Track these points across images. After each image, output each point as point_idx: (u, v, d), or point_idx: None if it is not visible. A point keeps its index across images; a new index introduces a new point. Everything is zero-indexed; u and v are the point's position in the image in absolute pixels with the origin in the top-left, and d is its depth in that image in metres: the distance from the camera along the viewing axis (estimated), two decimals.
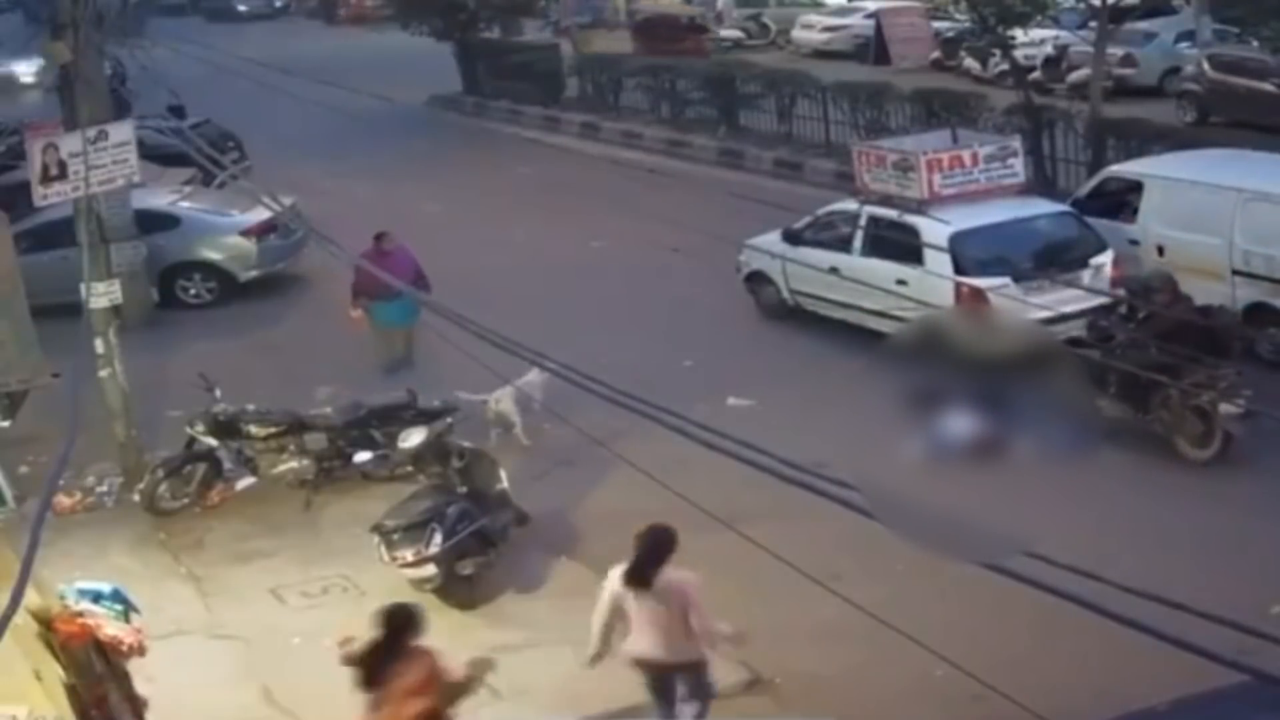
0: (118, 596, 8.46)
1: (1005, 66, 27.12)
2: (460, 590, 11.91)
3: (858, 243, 16.93)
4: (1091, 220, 16.72)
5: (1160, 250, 16.17)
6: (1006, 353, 13.60)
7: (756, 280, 18.46)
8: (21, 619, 6.94)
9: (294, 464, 14.09)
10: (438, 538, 11.65)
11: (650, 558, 9.40)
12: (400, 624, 8.68)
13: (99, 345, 14.11)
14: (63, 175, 13.57)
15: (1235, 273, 15.40)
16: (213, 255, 21.02)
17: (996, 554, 5.41)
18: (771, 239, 17.89)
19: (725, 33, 43.04)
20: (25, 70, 41.56)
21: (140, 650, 8.31)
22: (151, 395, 15.59)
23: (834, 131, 26.86)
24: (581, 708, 10.45)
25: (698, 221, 20.94)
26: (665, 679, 9.70)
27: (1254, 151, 18.21)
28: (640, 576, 9.43)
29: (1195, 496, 12.88)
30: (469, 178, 27.42)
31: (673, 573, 9.28)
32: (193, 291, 20.96)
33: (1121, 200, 17.13)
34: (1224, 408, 13.05)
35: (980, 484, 12.54)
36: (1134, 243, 16.50)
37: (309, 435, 14.17)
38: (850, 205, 17.57)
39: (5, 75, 42.70)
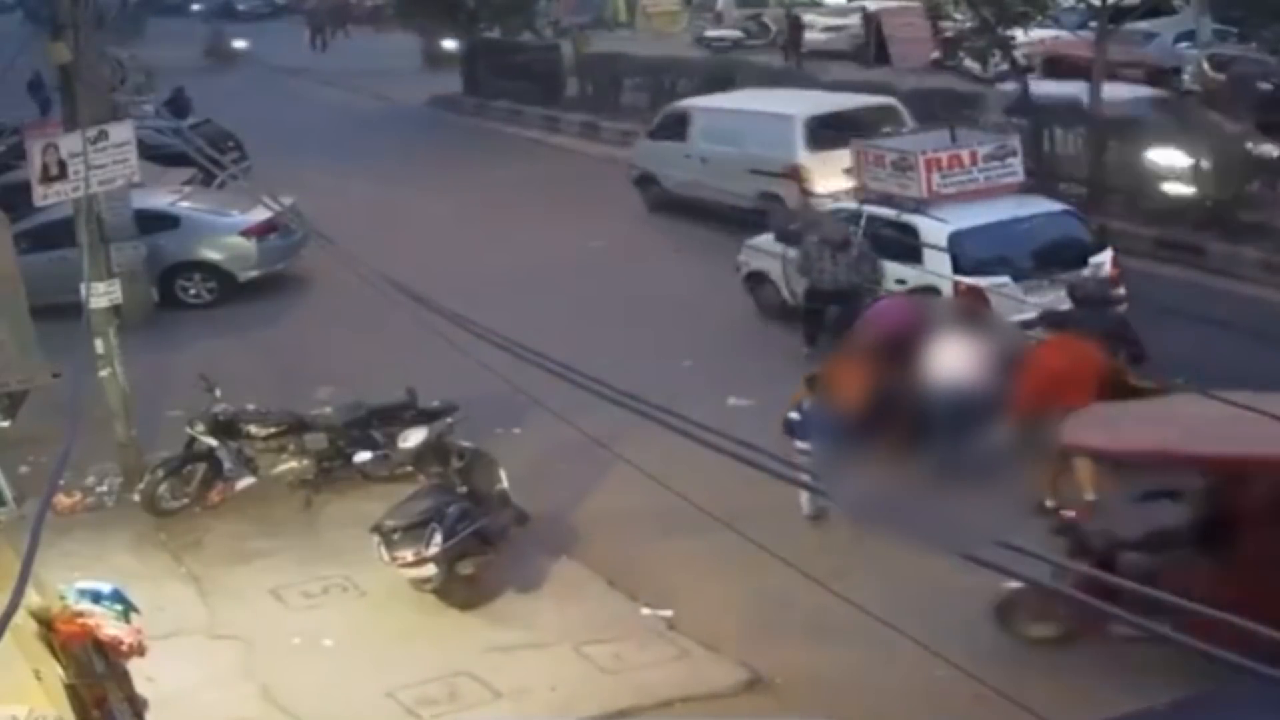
0: (118, 596, 8.45)
1: (1005, 66, 27.10)
2: (460, 590, 11.91)
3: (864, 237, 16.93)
4: (658, 143, 23.38)
5: (703, 160, 22.37)
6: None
7: (756, 280, 18.46)
8: (21, 619, 6.94)
9: (294, 464, 14.09)
10: (438, 538, 11.65)
11: None
12: None
13: (99, 345, 14.11)
14: (63, 175, 13.57)
15: (751, 171, 21.24)
16: (213, 255, 21.01)
17: (976, 547, 5.43)
18: (770, 239, 17.90)
19: (725, 33, 43.08)
20: None
21: (140, 650, 8.30)
22: (151, 395, 15.59)
23: None
24: (579, 708, 10.44)
25: (697, 221, 21.04)
26: None
27: (773, 89, 25.32)
28: None
29: None
30: (469, 178, 27.43)
31: None
32: (193, 291, 20.96)
33: (678, 127, 23.31)
34: None
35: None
36: (688, 156, 22.75)
37: (309, 435, 14.17)
38: (850, 204, 17.57)
39: None
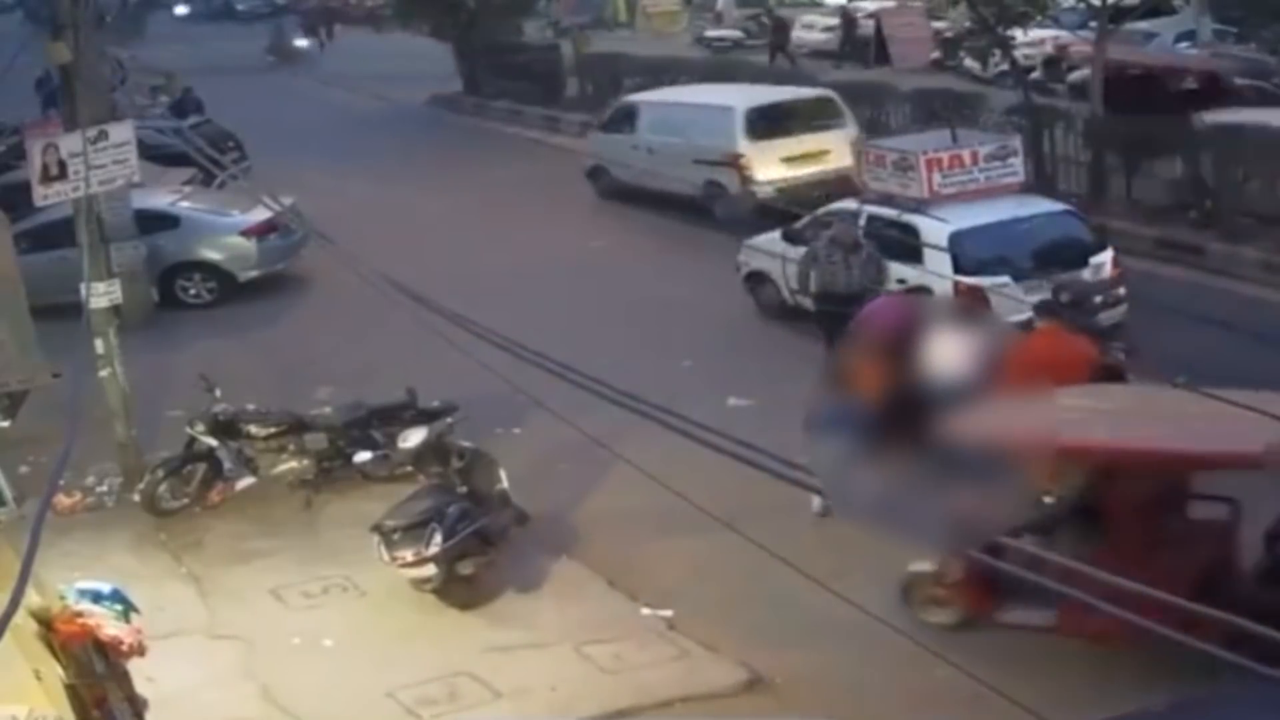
0: (118, 596, 8.45)
1: (1005, 66, 27.11)
2: (460, 590, 11.91)
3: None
4: (609, 135, 24.56)
5: (651, 151, 23.21)
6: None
7: (756, 280, 18.46)
8: (21, 619, 6.94)
9: (294, 464, 14.08)
10: (438, 538, 11.65)
11: None
12: None
13: (99, 345, 14.11)
14: (63, 175, 13.57)
15: (695, 161, 22.25)
16: (213, 255, 21.01)
17: (971, 543, 5.44)
18: (771, 239, 17.90)
19: (725, 33, 43.09)
20: None
21: (140, 650, 8.30)
22: (151, 395, 15.59)
23: None
24: (579, 708, 10.44)
25: (697, 221, 21.04)
26: None
27: (713, 84, 26.67)
28: None
29: None
30: (469, 178, 27.42)
31: None
32: (193, 291, 20.96)
33: (627, 121, 24.62)
34: None
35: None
36: (636, 148, 23.59)
37: (309, 435, 14.17)
38: (850, 204, 17.57)
39: None
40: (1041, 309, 14.01)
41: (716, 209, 21.15)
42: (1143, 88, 23.71)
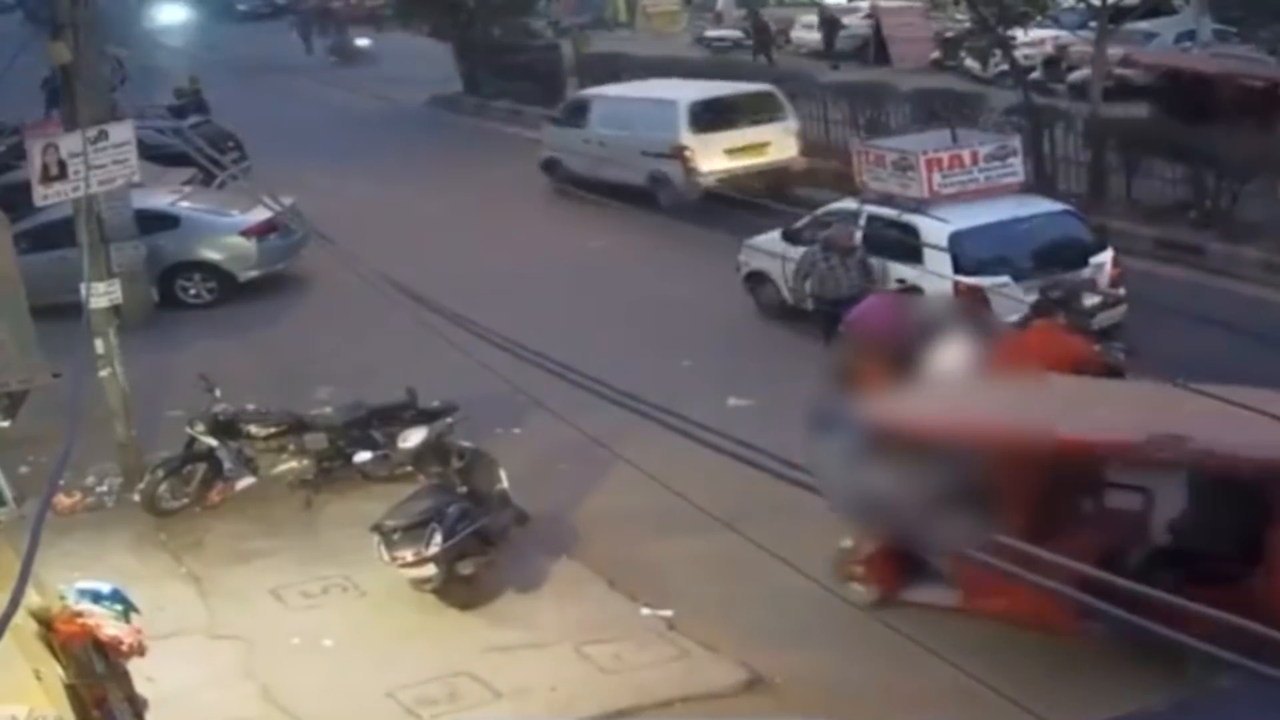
0: (117, 596, 8.45)
1: (1005, 66, 27.11)
2: (460, 590, 11.91)
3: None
4: (562, 129, 25.57)
5: (601, 143, 24.13)
6: None
7: (756, 280, 18.47)
8: (21, 619, 6.94)
9: (294, 464, 14.09)
10: (438, 538, 11.65)
11: None
12: None
13: (99, 345, 14.11)
14: (63, 175, 13.56)
15: (642, 153, 23.17)
16: (213, 255, 21.01)
17: (969, 543, 5.44)
18: (771, 239, 17.91)
19: (725, 33, 43.08)
20: None
21: (140, 650, 8.30)
22: (151, 395, 15.59)
23: (834, 131, 26.86)
24: (579, 709, 10.44)
25: (697, 221, 21.03)
26: None
27: (660, 80, 27.10)
28: None
29: None
30: (469, 178, 27.43)
31: None
32: (193, 291, 20.96)
33: (579, 115, 25.52)
34: None
35: None
36: (587, 141, 24.46)
37: (309, 435, 14.17)
38: (850, 204, 17.58)
39: None
40: (1037, 307, 14.07)
41: (661, 198, 22.47)
42: (1199, 95, 23.56)
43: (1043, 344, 12.68)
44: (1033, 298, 14.92)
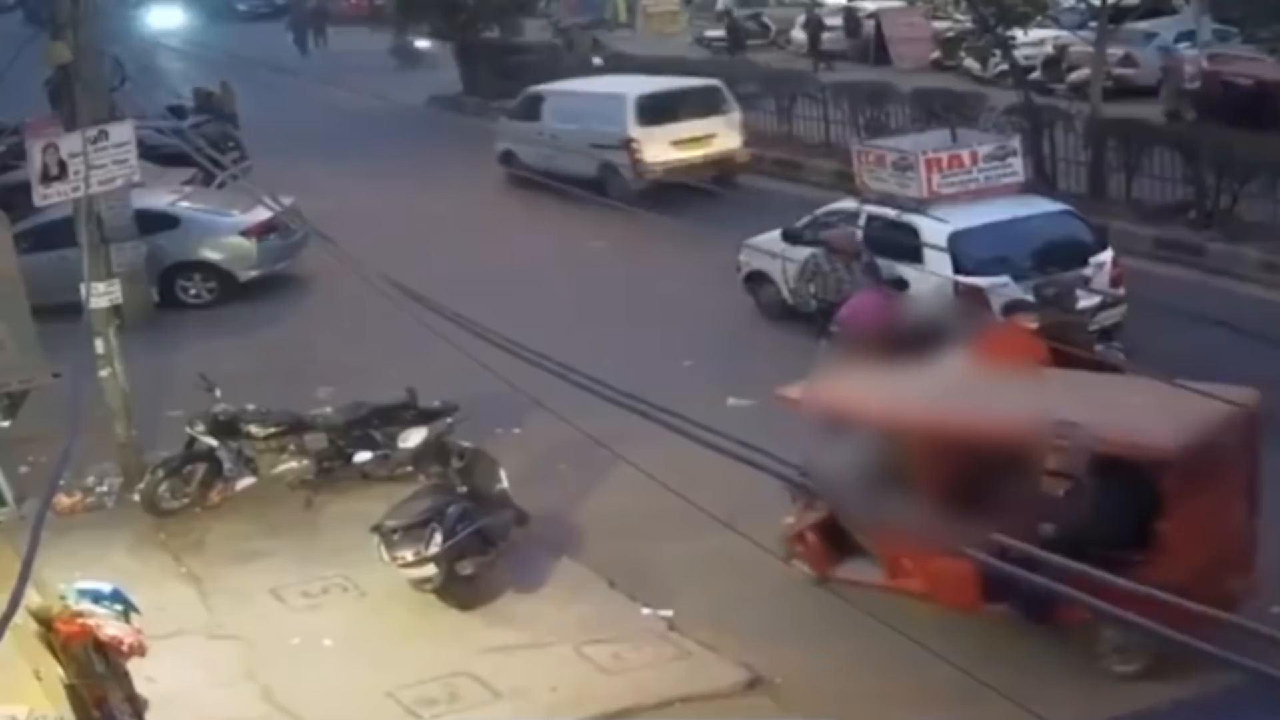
0: (118, 597, 8.46)
1: (1005, 66, 27.12)
2: (460, 590, 11.91)
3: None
4: (517, 123, 26.58)
5: (554, 136, 24.98)
6: None
7: (756, 280, 18.47)
8: (21, 619, 6.95)
9: (294, 464, 14.08)
10: (438, 538, 11.65)
11: None
12: None
13: (99, 345, 14.11)
14: (63, 175, 13.56)
15: (593, 145, 23.74)
16: (213, 255, 21.01)
17: (966, 541, 5.46)
18: (771, 239, 17.90)
19: (724, 33, 43.05)
20: None
21: (140, 650, 8.31)
22: (151, 395, 15.58)
23: (834, 131, 26.87)
24: (579, 709, 10.44)
25: (697, 221, 21.00)
26: None
27: (611, 76, 28.79)
28: None
29: None
30: (469, 178, 27.42)
31: None
32: (193, 291, 20.95)
33: (533, 109, 26.56)
34: None
35: None
36: (540, 134, 25.41)
37: (309, 435, 14.17)
38: (850, 204, 17.57)
39: None
40: (1007, 309, 14.11)
41: (610, 188, 23.26)
42: (1251, 102, 23.47)
43: (1006, 346, 12.74)
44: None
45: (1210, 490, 10.18)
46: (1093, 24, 24.78)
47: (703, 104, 24.94)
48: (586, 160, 23.93)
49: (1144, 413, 10.40)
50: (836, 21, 40.76)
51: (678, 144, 24.27)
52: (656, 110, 24.54)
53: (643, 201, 21.81)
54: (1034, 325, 13.28)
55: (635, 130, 24.26)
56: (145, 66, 36.40)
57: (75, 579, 8.82)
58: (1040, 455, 10.01)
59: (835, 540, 11.57)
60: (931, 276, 15.67)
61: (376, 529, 11.86)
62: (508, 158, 26.81)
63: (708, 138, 24.66)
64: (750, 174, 25.32)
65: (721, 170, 24.19)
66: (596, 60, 33.82)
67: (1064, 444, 9.85)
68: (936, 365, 11.96)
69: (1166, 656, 9.89)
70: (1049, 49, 31.16)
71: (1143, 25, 29.88)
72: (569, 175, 23.21)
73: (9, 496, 11.07)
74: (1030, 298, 14.44)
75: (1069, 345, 12.57)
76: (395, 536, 11.73)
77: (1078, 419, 9.91)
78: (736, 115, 25.14)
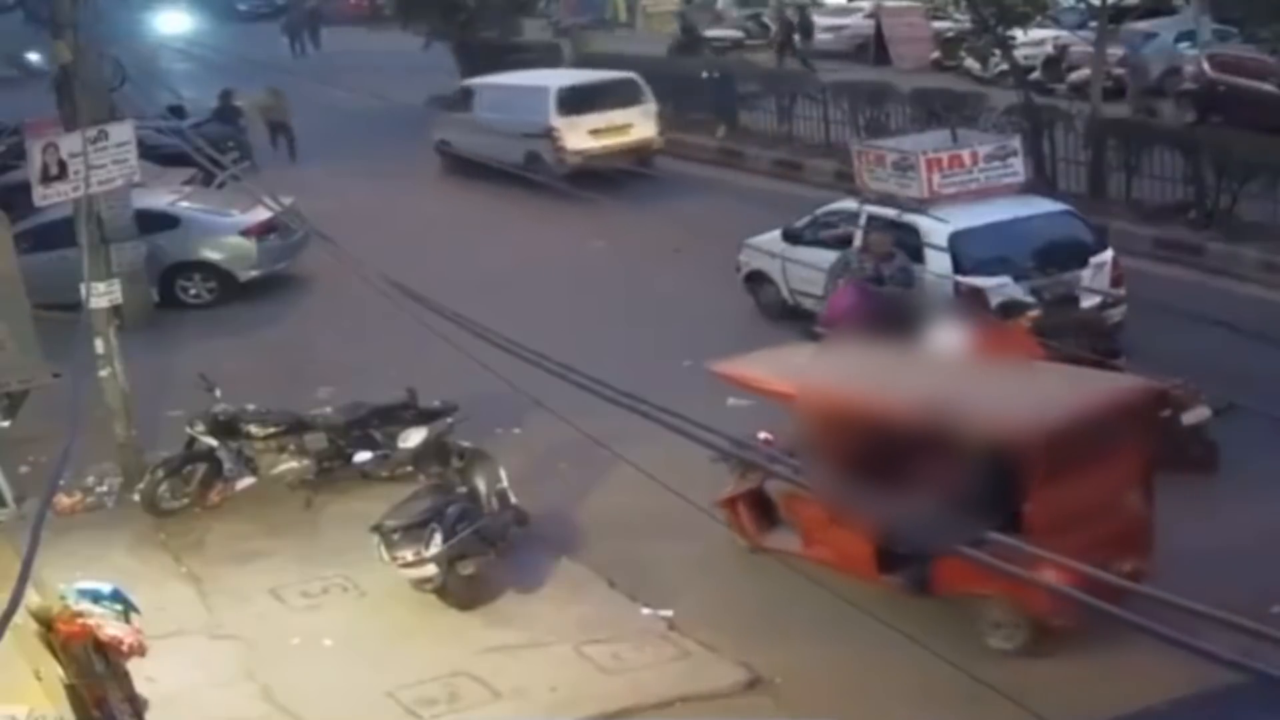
0: (117, 596, 8.46)
1: (1005, 66, 27.12)
2: (460, 590, 11.90)
3: (858, 242, 16.92)
4: (451, 114, 28.03)
5: (484, 127, 26.44)
6: None
7: (756, 280, 18.47)
8: (21, 619, 6.95)
9: (294, 464, 14.08)
10: (438, 538, 11.64)
11: None
12: None
13: (99, 345, 14.11)
14: (63, 175, 13.56)
15: (519, 135, 25.72)
16: (213, 255, 21.00)
17: (962, 541, 5.46)
18: (771, 239, 17.90)
19: (725, 32, 43.06)
20: None
21: (140, 650, 8.31)
22: (151, 395, 15.58)
23: (834, 131, 26.88)
24: (579, 709, 10.44)
25: (698, 221, 21.00)
26: None
27: (535, 70, 30.55)
28: None
29: (1188, 494, 12.86)
30: (469, 177, 27.40)
31: None
32: (193, 291, 20.95)
33: (465, 101, 28.03)
34: (1187, 418, 13.17)
35: None
36: (472, 125, 26.84)
37: (309, 435, 14.17)
38: (850, 204, 17.57)
39: None
40: (1004, 309, 14.15)
41: (536, 174, 23.95)
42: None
43: (1003, 344, 12.81)
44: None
45: (1086, 475, 10.37)
46: (1093, 24, 24.78)
47: (620, 96, 26.59)
48: (514, 147, 25.29)
49: (1022, 397, 10.73)
50: (828, 21, 40.76)
51: (596, 133, 25.86)
52: (576, 102, 26.15)
53: (575, 182, 22.70)
54: (1027, 324, 13.38)
55: (557, 120, 25.83)
56: (151, 69, 36.34)
57: (75, 579, 8.82)
58: (915, 434, 10.38)
59: (764, 510, 12.11)
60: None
61: (376, 529, 11.86)
62: (443, 145, 28.39)
63: (625, 127, 26.26)
64: (665, 157, 26.89)
65: (638, 156, 25.73)
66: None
67: (934, 424, 10.15)
68: (852, 348, 12.57)
69: (1045, 632, 10.39)
70: (1049, 49, 31.15)
71: (1143, 25, 29.89)
72: (497, 161, 24.67)
73: (9, 496, 11.06)
74: (1028, 298, 14.47)
75: (1077, 344, 12.67)
76: (395, 536, 11.73)
77: (956, 402, 10.17)
78: (652, 106, 26.68)
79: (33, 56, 35.47)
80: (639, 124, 26.50)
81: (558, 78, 27.95)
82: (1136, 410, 10.93)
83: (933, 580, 10.70)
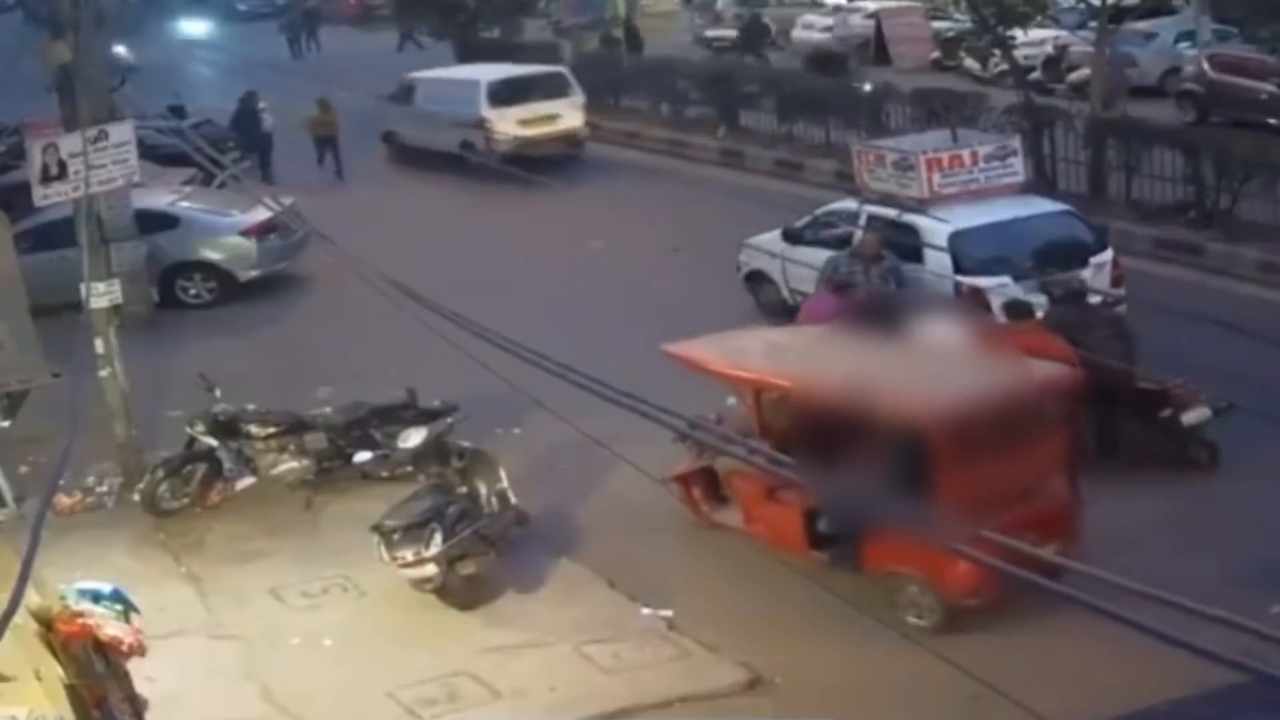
0: (117, 596, 8.45)
1: (1005, 66, 27.13)
2: (460, 590, 11.90)
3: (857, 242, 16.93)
4: (395, 105, 29.47)
5: (424, 118, 28.13)
6: None
7: (756, 280, 18.47)
8: (21, 619, 6.94)
9: (294, 464, 14.08)
10: (438, 538, 11.65)
11: None
12: None
13: (99, 345, 14.11)
14: (63, 175, 13.56)
15: (455, 125, 27.05)
16: (213, 255, 21.01)
17: (959, 537, 5.47)
18: (771, 238, 17.90)
19: (724, 32, 43.07)
20: None
21: (140, 650, 8.30)
22: (151, 395, 15.58)
23: (834, 131, 26.90)
24: (579, 709, 10.44)
25: (698, 221, 21.02)
26: None
27: (471, 65, 32.35)
28: None
29: (1188, 494, 12.88)
30: (468, 176, 27.42)
31: None
32: (193, 291, 20.96)
33: (408, 94, 29.66)
34: (1187, 418, 13.18)
35: None
36: (414, 116, 28.91)
37: (309, 435, 14.16)
38: (850, 204, 17.57)
39: None
40: (1011, 309, 14.16)
41: (471, 161, 25.63)
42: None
43: (1031, 345, 12.80)
44: (1035, 298, 14.95)
45: (999, 458, 10.53)
46: (1093, 24, 24.78)
47: (549, 88, 28.66)
48: (450, 136, 27.18)
49: (932, 380, 11.01)
50: (828, 22, 40.82)
51: (525, 123, 27.76)
52: (507, 94, 28.20)
53: (511, 166, 23.39)
54: (1036, 323, 13.39)
55: (488, 111, 27.85)
56: (149, 70, 36.35)
57: (75, 579, 8.81)
58: (842, 413, 10.69)
59: (714, 488, 12.48)
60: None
61: (376, 529, 11.86)
62: (389, 137, 30.47)
63: (552, 117, 28.21)
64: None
65: (565, 145, 27.81)
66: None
67: (847, 403, 10.44)
68: (799, 333, 13.29)
69: (959, 612, 10.63)
70: (1049, 49, 31.18)
71: (1143, 25, 29.89)
72: (436, 149, 27.75)
73: (9, 496, 11.06)
74: (1028, 298, 14.47)
75: (1088, 342, 12.69)
76: (395, 536, 11.73)
77: (871, 382, 10.45)
78: (579, 98, 28.72)
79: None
80: (566, 114, 28.34)
81: (490, 72, 29.69)
82: (1055, 396, 11.11)
83: (861, 558, 11.07)
